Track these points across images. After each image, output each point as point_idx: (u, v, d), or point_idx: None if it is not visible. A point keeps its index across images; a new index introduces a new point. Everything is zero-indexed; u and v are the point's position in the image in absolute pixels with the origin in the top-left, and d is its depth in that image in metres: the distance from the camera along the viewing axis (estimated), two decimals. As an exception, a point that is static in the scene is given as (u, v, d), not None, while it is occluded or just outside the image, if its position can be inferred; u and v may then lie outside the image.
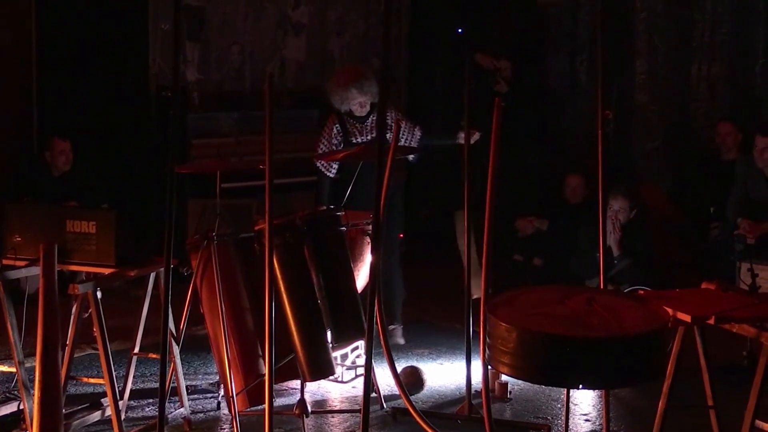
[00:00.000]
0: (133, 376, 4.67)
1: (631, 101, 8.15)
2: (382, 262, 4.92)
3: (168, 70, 7.52)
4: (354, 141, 5.58)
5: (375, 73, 5.86)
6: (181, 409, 4.62)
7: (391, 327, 5.70)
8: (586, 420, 4.74)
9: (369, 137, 5.56)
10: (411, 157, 5.73)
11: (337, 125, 5.60)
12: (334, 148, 5.58)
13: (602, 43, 4.06)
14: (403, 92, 9.08)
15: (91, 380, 4.85)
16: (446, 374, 5.39)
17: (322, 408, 4.87)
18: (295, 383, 4.60)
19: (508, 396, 4.95)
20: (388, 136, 5.09)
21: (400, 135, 5.53)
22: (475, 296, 5.18)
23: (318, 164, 5.64)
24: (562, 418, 4.36)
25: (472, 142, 5.11)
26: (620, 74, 8.00)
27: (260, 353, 4.30)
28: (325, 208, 4.92)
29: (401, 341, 5.75)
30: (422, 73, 9.07)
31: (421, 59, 9.09)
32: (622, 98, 8.10)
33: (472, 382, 4.65)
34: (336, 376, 4.96)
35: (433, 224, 8.26)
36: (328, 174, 5.64)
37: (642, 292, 4.26)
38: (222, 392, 4.68)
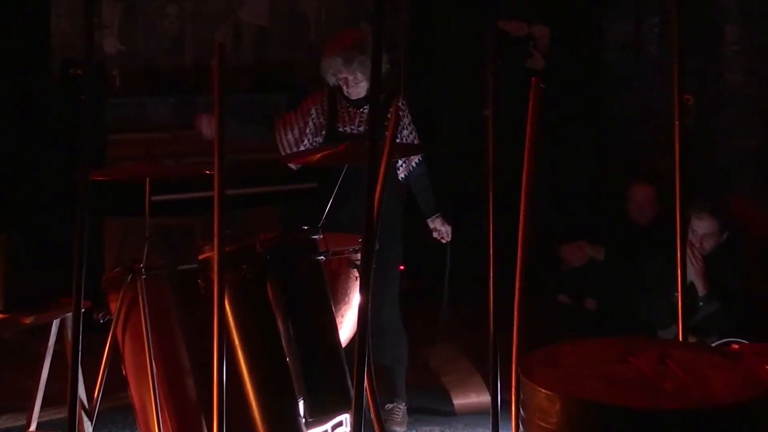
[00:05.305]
0: (29, 464, 4.66)
1: (718, 82, 8.18)
2: (375, 311, 4.91)
3: (78, 38, 7.53)
4: (340, 129, 5.60)
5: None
6: None
7: (389, 406, 5.69)
8: None
9: (360, 129, 5.58)
10: (400, 168, 5.73)
11: (324, 100, 5.64)
12: (301, 124, 5.63)
13: (679, 3, 4.08)
14: (402, 69, 9.10)
15: (-30, 469, 4.84)
16: (464, 461, 5.41)
17: (291, 508, 4.86)
18: (254, 473, 4.58)
19: (551, 491, 4.94)
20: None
21: (399, 130, 5.55)
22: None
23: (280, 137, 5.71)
24: None
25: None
26: (703, 46, 8.05)
27: (205, 430, 4.29)
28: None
29: (400, 429, 5.71)
30: (428, 42, 9.10)
31: (426, 24, 9.12)
32: (707, 78, 8.14)
33: (501, 471, 4.64)
34: (311, 463, 4.96)
35: (439, 253, 8.25)
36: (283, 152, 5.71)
37: (736, 346, 4.26)
38: (152, 486, 4.67)
